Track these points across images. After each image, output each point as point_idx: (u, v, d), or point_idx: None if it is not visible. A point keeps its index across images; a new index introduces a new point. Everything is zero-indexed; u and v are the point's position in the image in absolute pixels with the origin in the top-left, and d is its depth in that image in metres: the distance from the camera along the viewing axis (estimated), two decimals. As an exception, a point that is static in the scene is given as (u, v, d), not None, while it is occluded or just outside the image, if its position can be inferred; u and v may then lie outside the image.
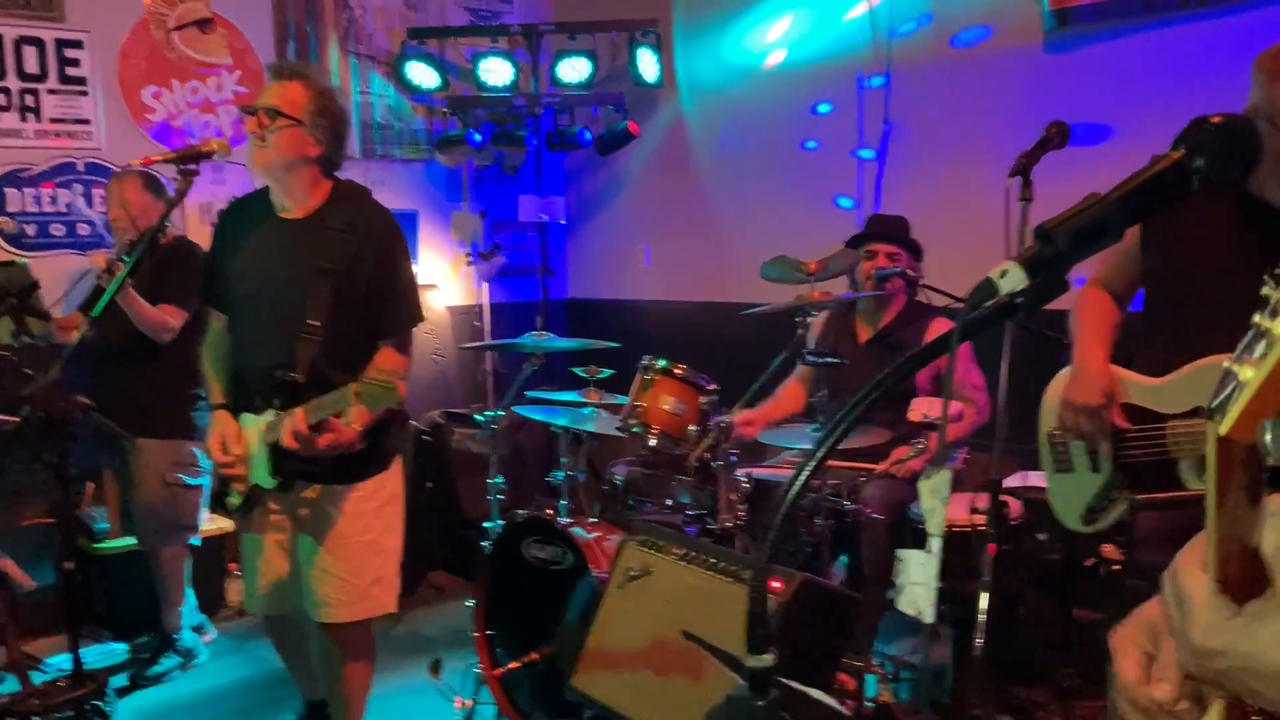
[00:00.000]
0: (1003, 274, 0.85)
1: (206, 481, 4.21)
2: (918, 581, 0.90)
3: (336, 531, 2.98)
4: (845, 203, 5.18)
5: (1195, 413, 2.40)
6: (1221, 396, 0.67)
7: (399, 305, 2.98)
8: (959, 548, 3.18)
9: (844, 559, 3.76)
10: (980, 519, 2.61)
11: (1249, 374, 0.64)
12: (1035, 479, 3.50)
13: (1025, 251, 0.85)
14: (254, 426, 2.94)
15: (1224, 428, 0.65)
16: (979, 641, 2.31)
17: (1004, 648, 3.38)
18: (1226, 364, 0.66)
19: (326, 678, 3.23)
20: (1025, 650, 3.53)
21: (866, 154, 5.07)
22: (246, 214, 3.08)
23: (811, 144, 5.38)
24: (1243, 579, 0.73)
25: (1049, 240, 0.84)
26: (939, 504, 0.86)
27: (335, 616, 3.01)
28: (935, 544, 0.89)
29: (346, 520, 2.98)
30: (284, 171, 2.91)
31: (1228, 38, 3.85)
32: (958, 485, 3.95)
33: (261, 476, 2.92)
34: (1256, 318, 0.64)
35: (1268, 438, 0.62)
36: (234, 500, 3.04)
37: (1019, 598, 3.45)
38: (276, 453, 2.83)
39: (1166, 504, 2.29)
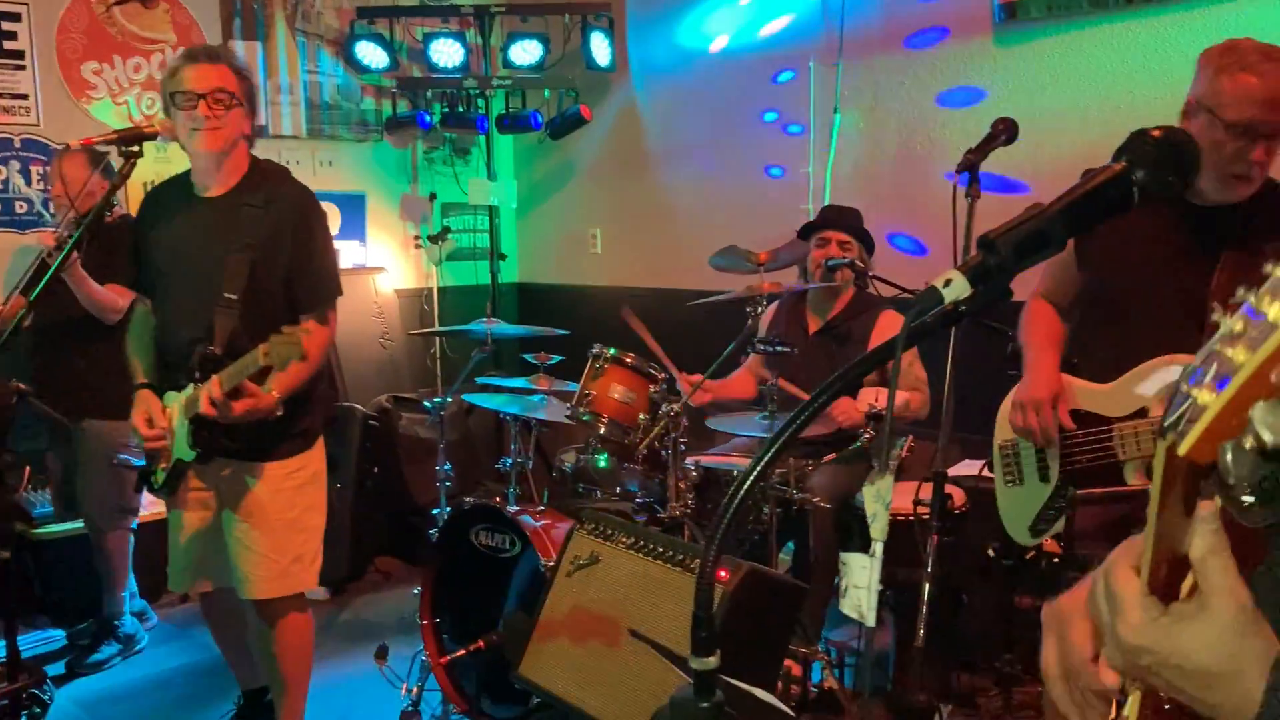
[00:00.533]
0: (947, 283, 0.86)
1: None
2: (860, 585, 0.91)
3: (259, 508, 3.03)
4: (794, 189, 5.20)
5: (1140, 414, 2.46)
6: (1174, 416, 0.69)
7: (318, 279, 3.04)
8: (903, 537, 3.22)
9: (791, 545, 3.80)
10: (924, 510, 2.65)
11: (1207, 397, 0.66)
12: (966, 467, 3.57)
13: (969, 261, 0.86)
14: (176, 402, 2.98)
15: (1183, 448, 0.67)
16: (921, 629, 2.35)
17: (946, 635, 3.44)
18: (1182, 387, 0.68)
19: (263, 659, 3.24)
20: (967, 637, 3.59)
21: (818, 143, 5.09)
22: (166, 197, 3.15)
23: (763, 133, 5.39)
24: (1171, 582, 0.78)
25: (992, 250, 0.85)
26: (882, 508, 0.87)
27: (256, 593, 3.06)
28: (878, 548, 0.90)
29: (268, 497, 3.04)
30: (226, 152, 2.97)
31: (1171, 33, 3.91)
32: (902, 473, 4.01)
33: (182, 450, 2.95)
34: (1216, 345, 0.66)
35: (1229, 458, 0.65)
36: (158, 477, 3.07)
37: (961, 586, 3.50)
38: (197, 426, 2.87)
39: (1103, 499, 2.35)
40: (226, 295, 2.87)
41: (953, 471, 3.69)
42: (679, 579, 2.58)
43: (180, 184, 3.10)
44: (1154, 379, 2.44)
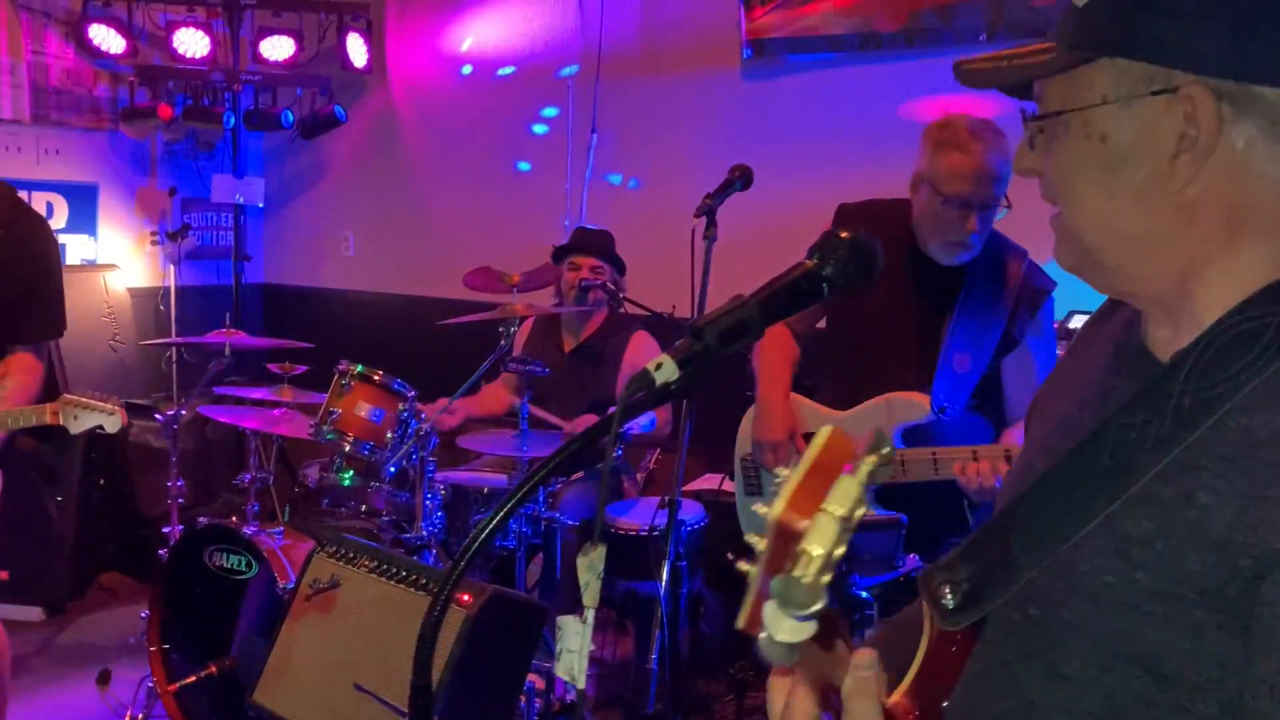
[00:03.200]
0: (658, 366, 0.94)
1: None
2: (573, 649, 0.97)
3: None
4: (552, 205, 5.27)
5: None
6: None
7: (44, 313, 2.92)
8: (643, 551, 3.35)
9: (541, 558, 3.86)
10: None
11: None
12: (708, 480, 3.74)
13: (678, 347, 0.95)
14: None
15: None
16: (654, 650, 2.47)
17: (685, 643, 3.59)
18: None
19: None
20: (704, 645, 3.75)
21: (575, 161, 5.18)
22: None
23: (522, 147, 5.44)
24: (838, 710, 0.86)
25: (699, 337, 0.94)
26: (594, 579, 0.93)
27: None
28: (590, 615, 0.96)
29: None
30: None
31: (906, 78, 4.21)
32: (650, 486, 4.16)
33: None
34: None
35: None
36: None
37: (699, 596, 3.66)
38: None
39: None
40: None
41: (695, 485, 3.87)
42: (422, 603, 2.59)
43: None
44: (884, 411, 2.68)
